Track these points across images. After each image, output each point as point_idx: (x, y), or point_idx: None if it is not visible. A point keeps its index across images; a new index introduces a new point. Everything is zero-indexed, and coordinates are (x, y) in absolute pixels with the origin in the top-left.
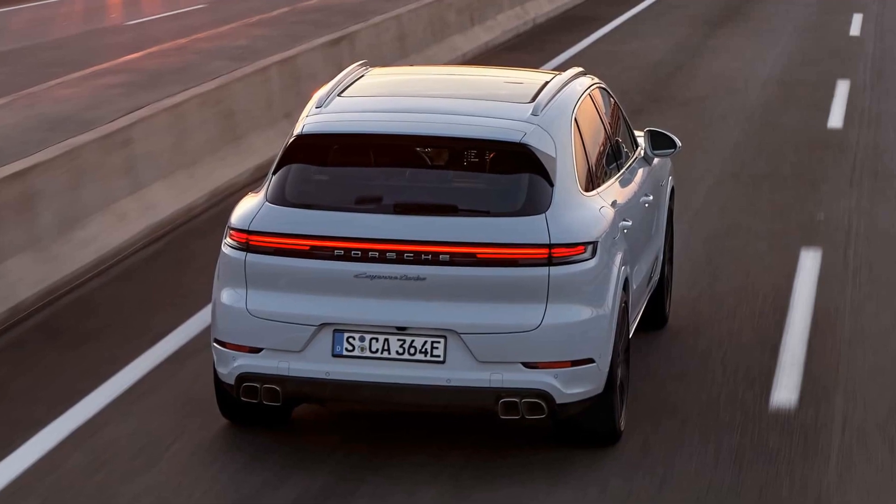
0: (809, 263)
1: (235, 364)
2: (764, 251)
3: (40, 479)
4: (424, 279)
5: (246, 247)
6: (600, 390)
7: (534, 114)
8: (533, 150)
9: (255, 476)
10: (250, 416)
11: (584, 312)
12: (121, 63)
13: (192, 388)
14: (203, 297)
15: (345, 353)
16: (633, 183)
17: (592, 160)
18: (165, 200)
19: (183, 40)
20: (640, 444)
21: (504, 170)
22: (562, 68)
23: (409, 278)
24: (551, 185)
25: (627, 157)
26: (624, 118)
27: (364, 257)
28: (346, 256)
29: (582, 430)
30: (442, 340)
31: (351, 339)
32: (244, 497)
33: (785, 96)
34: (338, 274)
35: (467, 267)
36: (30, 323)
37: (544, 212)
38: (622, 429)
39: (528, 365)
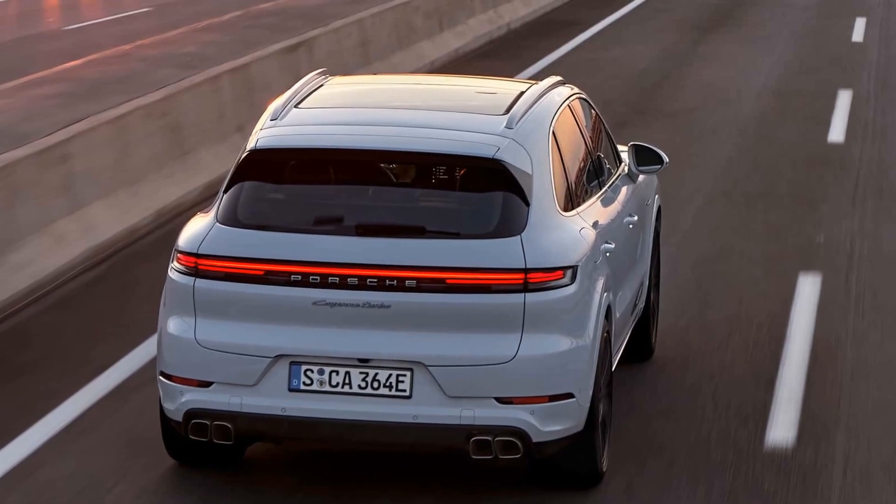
0: (808, 290)
1: (183, 399)
2: (759, 276)
3: None
4: (389, 307)
5: (194, 271)
6: (580, 428)
7: (508, 127)
8: (507, 166)
9: None
10: (199, 456)
11: (563, 343)
12: (58, 71)
13: (136, 425)
14: (148, 326)
15: (302, 387)
16: (616, 202)
17: (572, 177)
18: (107, 221)
19: (126, 47)
20: (623, 487)
21: (476, 188)
22: (539, 77)
23: (373, 306)
24: (527, 204)
25: (610, 174)
26: (606, 132)
27: (323, 283)
28: (304, 282)
29: (560, 471)
30: (408, 373)
31: (309, 373)
32: None
33: (781, 108)
34: (295, 301)
35: (436, 293)
36: None
37: (519, 233)
38: (604, 470)
39: (501, 400)
